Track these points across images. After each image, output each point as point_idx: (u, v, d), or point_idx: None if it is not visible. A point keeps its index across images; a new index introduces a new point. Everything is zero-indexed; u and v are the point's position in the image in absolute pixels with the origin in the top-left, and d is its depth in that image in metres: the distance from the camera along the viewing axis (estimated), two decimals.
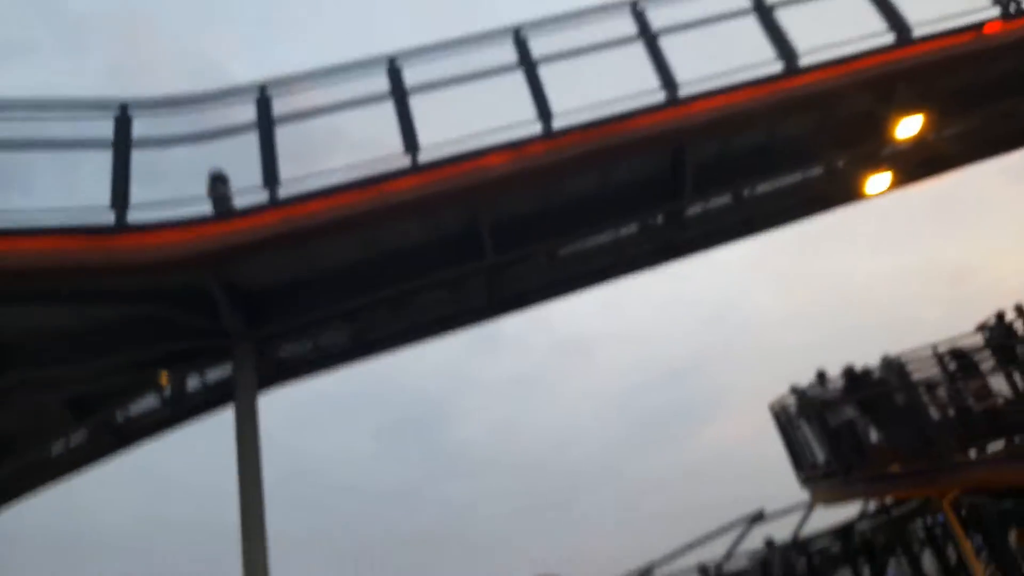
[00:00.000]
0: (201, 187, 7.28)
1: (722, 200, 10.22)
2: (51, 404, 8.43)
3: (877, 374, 10.85)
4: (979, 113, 10.33)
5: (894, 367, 10.48)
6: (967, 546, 11.43)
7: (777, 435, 12.49)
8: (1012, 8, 9.23)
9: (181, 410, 9.18)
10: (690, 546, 15.66)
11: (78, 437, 9.40)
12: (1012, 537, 13.80)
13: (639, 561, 16.88)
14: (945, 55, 8.79)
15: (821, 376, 11.12)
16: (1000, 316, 11.14)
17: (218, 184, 7.28)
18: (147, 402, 9.13)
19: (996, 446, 10.63)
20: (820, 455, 11.48)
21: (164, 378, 8.60)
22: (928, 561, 13.77)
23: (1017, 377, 10.48)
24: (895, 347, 10.99)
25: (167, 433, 9.35)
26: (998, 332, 11.04)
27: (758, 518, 15.15)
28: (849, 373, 10.88)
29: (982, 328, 11.39)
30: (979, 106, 10.12)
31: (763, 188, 10.35)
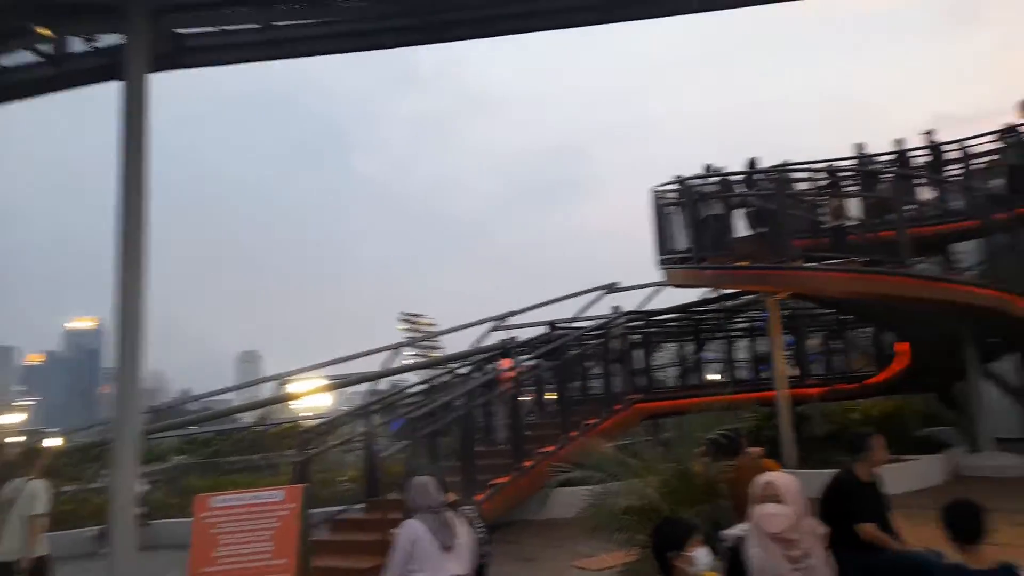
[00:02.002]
0: None
1: None
2: None
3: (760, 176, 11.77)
4: None
5: (774, 172, 11.37)
6: (778, 340, 13.36)
7: (648, 220, 13.49)
8: None
9: (64, 73, 8.48)
10: (548, 303, 17.27)
11: None
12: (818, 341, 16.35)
13: (501, 309, 18.49)
14: None
15: (707, 168, 11.90)
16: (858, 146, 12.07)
17: None
18: (23, 56, 8.33)
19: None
20: (683, 242, 12.64)
21: (45, 31, 7.81)
22: (742, 346, 16.09)
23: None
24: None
25: (47, 95, 8.71)
26: (866, 161, 12.10)
27: (612, 288, 16.79)
28: (752, 163, 11.69)
29: (858, 153, 12.39)
30: None
31: None
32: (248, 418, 19.01)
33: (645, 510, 5.04)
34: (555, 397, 12.73)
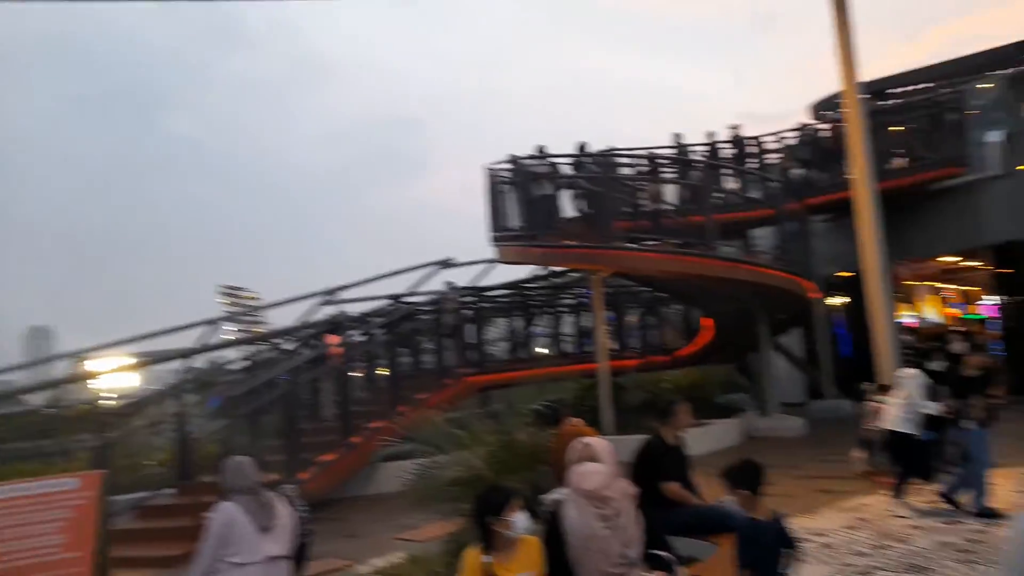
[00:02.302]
0: None
1: None
2: None
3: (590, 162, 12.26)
4: None
5: (601, 159, 11.90)
6: (600, 316, 14.12)
7: (483, 197, 13.64)
8: None
9: None
10: (379, 277, 16.94)
11: None
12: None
13: (329, 283, 17.87)
14: None
15: (540, 150, 12.22)
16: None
17: None
18: None
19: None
20: (515, 221, 12.93)
21: None
22: (569, 321, 16.83)
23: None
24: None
25: None
26: (682, 150, 13.04)
27: (446, 264, 16.82)
28: (582, 147, 12.09)
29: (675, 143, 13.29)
30: None
31: None
32: (37, 400, 17.01)
33: (471, 480, 5.12)
34: (386, 372, 12.59)
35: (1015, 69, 16.62)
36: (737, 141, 16.01)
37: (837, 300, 18.25)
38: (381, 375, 12.78)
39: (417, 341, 13.71)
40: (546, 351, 16.47)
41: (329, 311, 15.43)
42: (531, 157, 12.38)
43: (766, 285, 12.50)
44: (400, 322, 12.62)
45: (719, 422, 13.20)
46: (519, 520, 3.12)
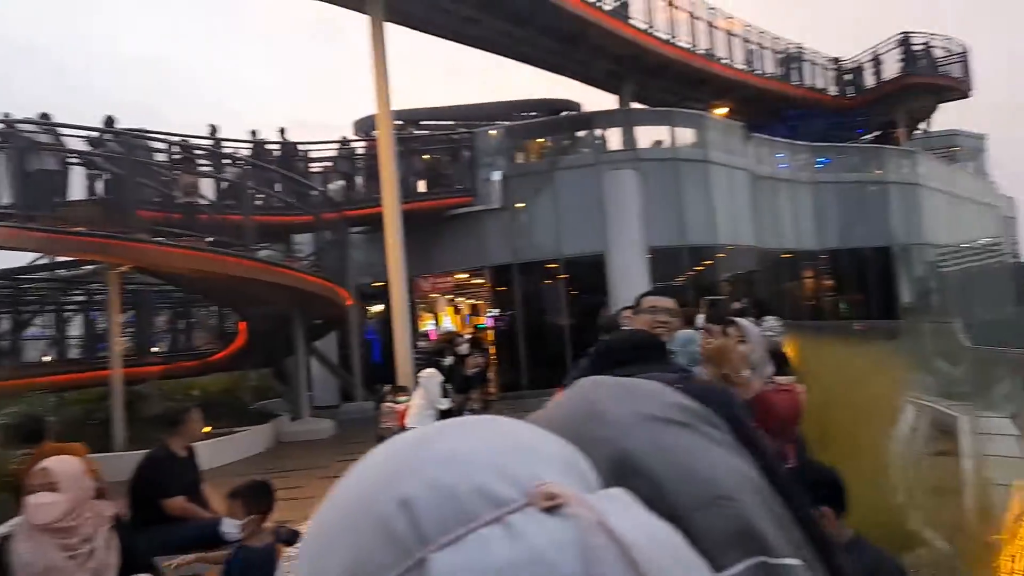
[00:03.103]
0: None
1: None
2: None
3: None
4: None
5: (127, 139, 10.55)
6: (116, 316, 12.46)
7: None
8: None
9: None
10: None
11: None
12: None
13: None
14: None
15: (43, 116, 10.26)
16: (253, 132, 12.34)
17: None
18: None
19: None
20: (5, 196, 10.60)
21: None
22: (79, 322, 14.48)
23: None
24: None
25: None
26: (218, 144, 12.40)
27: None
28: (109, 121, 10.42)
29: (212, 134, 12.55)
30: None
31: None
32: None
33: None
34: None
35: (512, 123, 20.30)
36: (285, 145, 15.97)
37: (371, 308, 19.54)
38: None
39: None
40: (48, 356, 13.91)
41: None
42: (31, 121, 10.30)
43: (303, 291, 12.67)
44: None
45: (250, 429, 12.85)
46: None
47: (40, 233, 10.35)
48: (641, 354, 1.54)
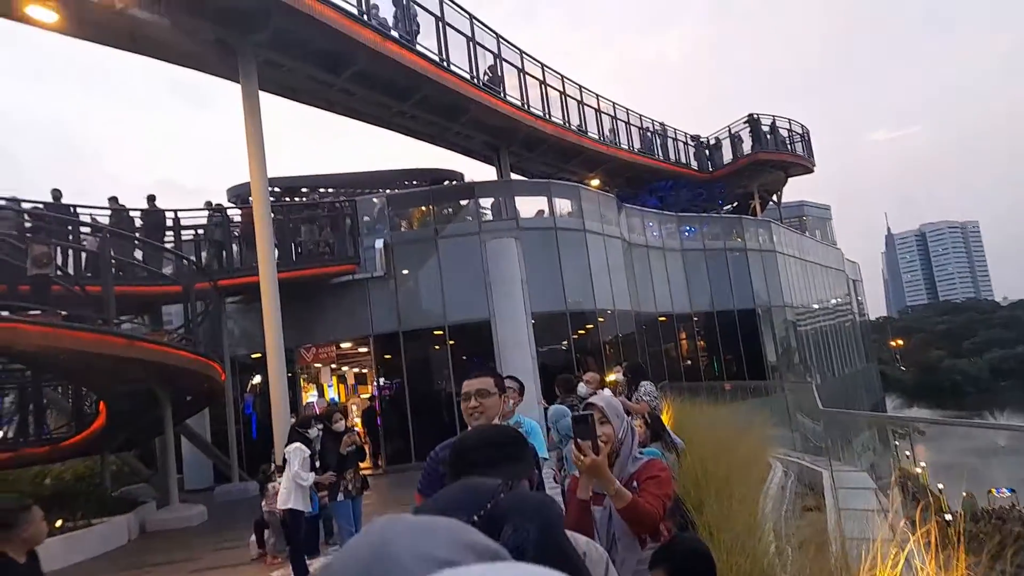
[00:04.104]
0: None
1: None
2: None
3: None
4: None
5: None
6: None
7: None
8: None
9: None
10: None
11: None
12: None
13: None
14: None
15: None
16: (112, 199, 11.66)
17: None
18: None
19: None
20: None
21: None
22: None
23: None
24: None
25: None
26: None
27: None
28: None
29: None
30: None
31: None
32: None
33: None
34: None
35: (394, 191, 20.40)
36: (152, 212, 15.20)
37: (248, 381, 18.60)
38: None
39: None
40: None
41: None
42: None
43: (172, 366, 11.91)
44: None
45: (110, 520, 11.72)
46: None
47: None
48: (490, 454, 1.54)
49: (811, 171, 33.21)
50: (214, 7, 11.17)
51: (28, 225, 11.64)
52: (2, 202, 11.97)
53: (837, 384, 30.95)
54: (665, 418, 7.73)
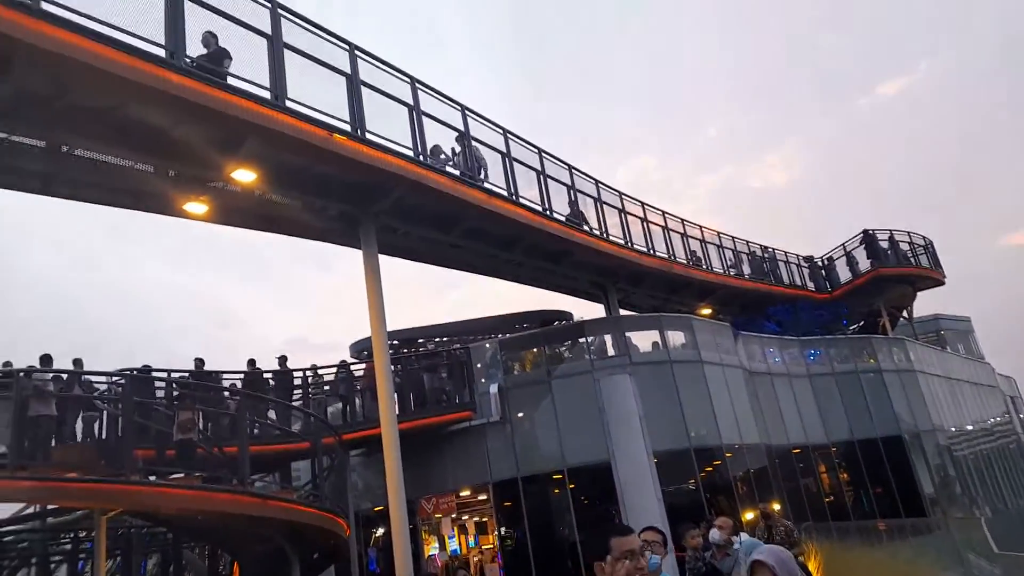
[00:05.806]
0: None
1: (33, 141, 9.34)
2: None
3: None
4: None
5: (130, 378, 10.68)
6: (103, 565, 11.81)
7: None
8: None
9: None
10: None
11: None
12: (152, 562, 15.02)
13: None
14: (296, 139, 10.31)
15: (44, 360, 10.47)
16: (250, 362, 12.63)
17: None
18: None
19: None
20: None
21: None
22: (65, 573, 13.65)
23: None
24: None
25: None
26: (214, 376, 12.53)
27: None
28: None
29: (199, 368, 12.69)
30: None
31: (85, 152, 9.83)
32: None
33: None
34: None
35: (505, 336, 20.79)
36: (283, 371, 16.18)
37: (372, 535, 18.59)
38: None
39: None
40: None
41: None
42: (34, 369, 10.49)
43: (300, 523, 12.12)
44: None
45: None
46: None
47: (30, 482, 10.10)
48: None
49: (942, 283, 31.19)
50: (341, 185, 12.34)
51: (175, 393, 12.65)
52: (157, 373, 13.16)
53: (1013, 519, 27.11)
54: (812, 565, 6.99)
